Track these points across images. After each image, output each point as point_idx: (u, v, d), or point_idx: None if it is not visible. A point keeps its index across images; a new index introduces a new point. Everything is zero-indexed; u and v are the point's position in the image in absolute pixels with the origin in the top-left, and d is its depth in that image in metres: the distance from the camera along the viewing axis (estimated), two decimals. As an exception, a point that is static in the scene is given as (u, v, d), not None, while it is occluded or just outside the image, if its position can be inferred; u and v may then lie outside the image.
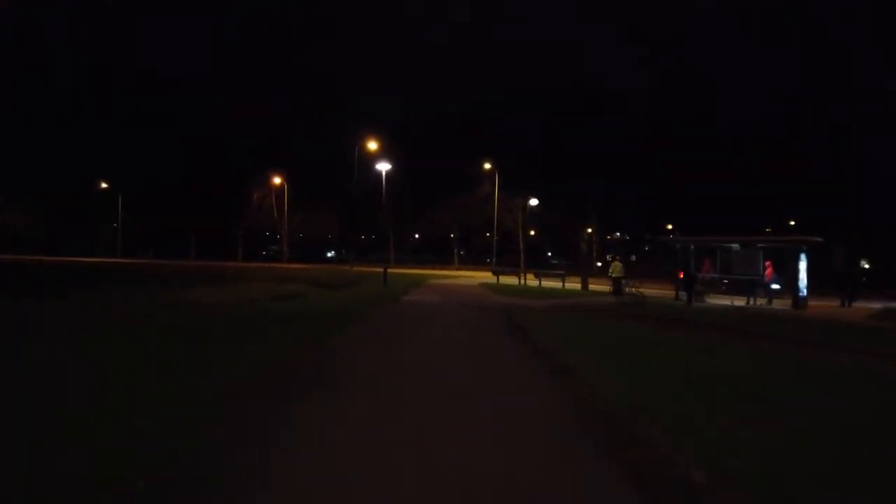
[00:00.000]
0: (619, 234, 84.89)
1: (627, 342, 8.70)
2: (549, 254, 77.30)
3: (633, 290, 19.11)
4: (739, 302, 20.76)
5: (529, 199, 33.30)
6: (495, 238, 48.13)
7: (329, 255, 67.59)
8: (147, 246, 64.00)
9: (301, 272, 32.93)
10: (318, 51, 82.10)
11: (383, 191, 22.52)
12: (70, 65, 62.41)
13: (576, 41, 73.23)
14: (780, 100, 61.65)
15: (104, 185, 59.86)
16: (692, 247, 23.06)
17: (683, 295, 21.83)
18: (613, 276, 22.50)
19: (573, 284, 26.54)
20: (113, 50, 65.77)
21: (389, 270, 40.68)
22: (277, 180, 53.06)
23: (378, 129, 45.10)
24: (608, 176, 48.38)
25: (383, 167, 22.81)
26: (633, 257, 78.60)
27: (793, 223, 65.79)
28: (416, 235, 67.36)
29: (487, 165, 45.76)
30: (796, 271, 20.31)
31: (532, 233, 55.11)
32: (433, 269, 47.42)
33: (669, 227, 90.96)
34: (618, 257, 24.35)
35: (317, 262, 51.11)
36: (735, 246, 21.73)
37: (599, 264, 64.83)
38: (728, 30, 69.18)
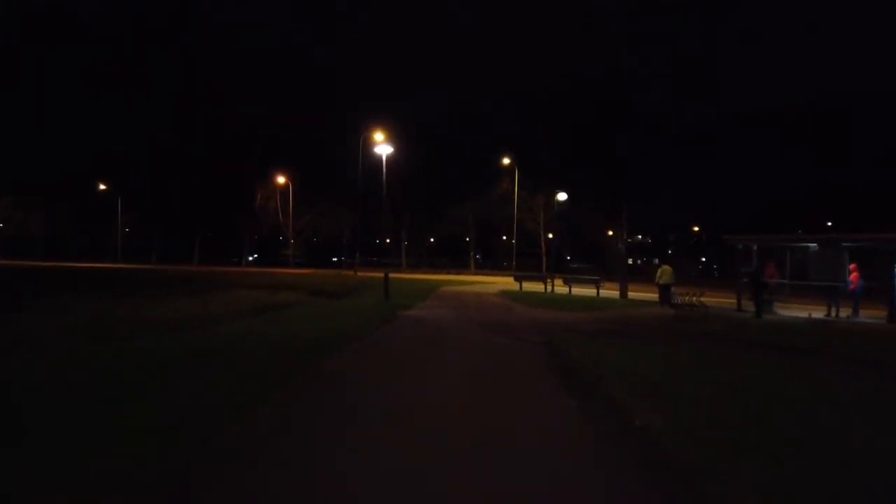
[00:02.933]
0: (640, 236, 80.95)
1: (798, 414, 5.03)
2: (569, 257, 73.48)
3: (693, 300, 15.48)
4: (818, 313, 17.06)
5: (556, 193, 29.53)
6: (514, 240, 44.56)
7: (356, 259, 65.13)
8: (150, 250, 61.58)
9: (301, 278, 30.09)
10: (327, 46, 79.43)
11: (384, 178, 18.92)
12: (70, 61, 60.20)
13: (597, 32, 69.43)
14: (809, 93, 57.73)
15: (103, 187, 57.43)
16: (755, 248, 19.34)
17: (748, 304, 18.22)
18: (661, 282, 18.88)
19: (608, 292, 22.91)
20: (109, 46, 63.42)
21: (400, 276, 37.54)
22: (282, 179, 49.94)
23: (390, 124, 42.15)
24: (632, 175, 44.64)
25: (384, 150, 19.17)
26: (657, 260, 74.72)
27: (830, 223, 61.64)
28: (432, 239, 63.91)
29: (506, 160, 42.17)
30: (892, 276, 16.48)
31: (550, 235, 51.44)
32: (447, 273, 44.10)
33: (695, 228, 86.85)
34: (670, 261, 20.62)
35: (330, 266, 48.20)
36: (812, 246, 17.94)
37: (620, 267, 61.10)
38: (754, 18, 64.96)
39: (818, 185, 51.09)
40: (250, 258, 66.77)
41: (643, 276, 28.38)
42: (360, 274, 30.42)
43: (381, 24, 77.55)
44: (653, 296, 22.69)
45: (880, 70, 54.82)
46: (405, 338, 9.88)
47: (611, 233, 62.29)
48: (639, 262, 78.28)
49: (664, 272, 18.94)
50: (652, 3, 64.48)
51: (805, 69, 62.57)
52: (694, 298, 15.53)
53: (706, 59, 65.79)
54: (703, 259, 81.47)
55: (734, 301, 19.23)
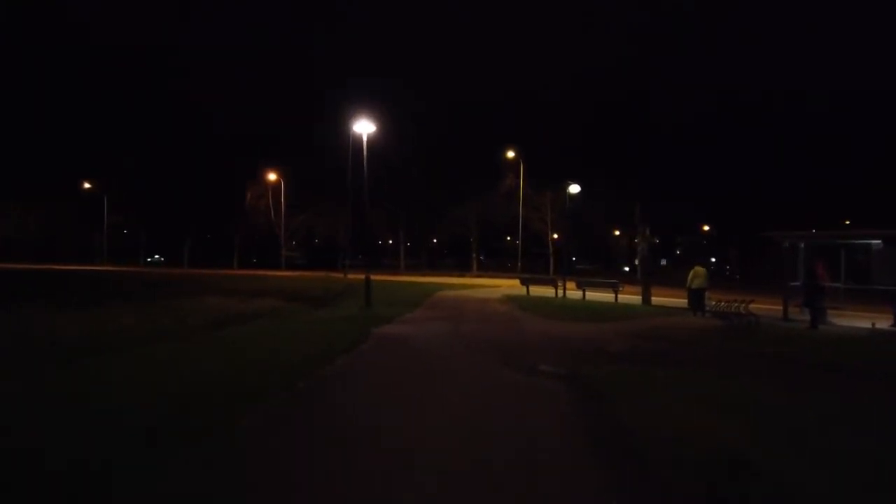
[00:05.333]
0: (638, 238, 77.94)
1: None
2: (574, 258, 70.69)
3: (741, 308, 12.79)
4: (882, 323, 14.38)
5: (569, 185, 26.67)
6: (519, 240, 41.85)
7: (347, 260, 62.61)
8: (139, 252, 59.28)
9: (288, 282, 27.69)
10: (324, 42, 76.87)
11: (364, 164, 15.79)
12: (54, 62, 58.11)
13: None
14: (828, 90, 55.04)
15: (88, 186, 55.11)
16: (802, 245, 16.63)
17: (795, 311, 15.54)
18: (694, 286, 16.14)
19: (626, 296, 20.22)
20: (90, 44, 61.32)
21: (396, 279, 34.86)
22: (273, 177, 47.25)
23: (388, 121, 39.52)
24: (645, 172, 42.18)
25: (364, 129, 15.88)
26: (664, 261, 71.95)
27: (848, 222, 58.91)
28: (434, 240, 61.23)
29: (511, 154, 39.39)
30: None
31: (555, 235, 48.79)
32: (448, 276, 41.40)
33: (706, 227, 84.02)
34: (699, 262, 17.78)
35: (332, 268, 45.63)
36: (876, 243, 15.21)
37: (627, 269, 58.22)
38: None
39: (818, 185, 48.82)
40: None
41: (653, 277, 25.71)
42: (350, 277, 27.85)
43: (379, 21, 75.10)
44: (677, 301, 20.00)
45: (882, 70, 52.15)
46: (364, 380, 6.63)
47: (617, 232, 59.56)
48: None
49: (697, 275, 16.20)
50: (653, 3, 62.08)
51: (804, 70, 59.82)
52: (741, 307, 12.84)
53: (706, 60, 63.07)
54: (713, 259, 78.75)
55: (768, 306, 16.55)
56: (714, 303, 13.52)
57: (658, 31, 57.86)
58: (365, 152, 16.40)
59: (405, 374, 7.00)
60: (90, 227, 58.69)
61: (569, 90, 55.93)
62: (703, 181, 52.79)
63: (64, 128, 55.84)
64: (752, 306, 14.08)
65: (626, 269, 58.57)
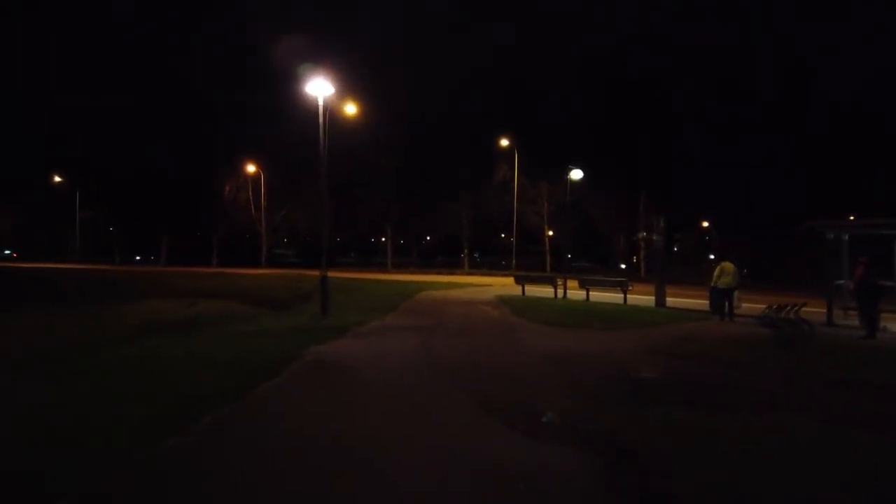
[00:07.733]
0: (644, 233, 75.70)
1: None
2: (569, 255, 68.12)
3: (791, 314, 10.20)
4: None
5: (571, 170, 23.94)
6: (514, 235, 39.19)
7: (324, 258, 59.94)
8: (113, 250, 56.23)
9: (258, 281, 25.25)
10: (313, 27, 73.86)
11: (321, 135, 12.58)
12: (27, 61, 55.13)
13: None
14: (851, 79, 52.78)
15: (59, 180, 51.89)
16: (846, 237, 14.13)
17: (838, 315, 13.06)
18: (721, 285, 13.58)
19: (635, 296, 17.64)
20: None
21: (380, 277, 32.22)
22: (252, 168, 44.25)
23: (376, 110, 36.78)
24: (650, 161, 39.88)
25: (320, 91, 12.38)
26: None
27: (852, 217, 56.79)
28: (428, 237, 58.46)
29: (505, 142, 36.66)
30: None
31: (550, 232, 46.18)
32: (437, 274, 38.69)
33: (705, 224, 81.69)
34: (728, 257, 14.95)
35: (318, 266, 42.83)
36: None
37: (623, 266, 55.75)
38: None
39: (815, 185, 46.92)
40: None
41: (658, 275, 23.36)
42: (328, 275, 25.17)
43: (368, 6, 72.17)
44: (691, 301, 17.46)
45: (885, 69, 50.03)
46: (204, 480, 3.51)
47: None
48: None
49: (725, 271, 13.62)
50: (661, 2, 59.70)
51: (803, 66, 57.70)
52: (791, 312, 10.25)
53: (708, 59, 60.85)
54: (712, 257, 76.61)
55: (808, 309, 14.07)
56: (766, 307, 10.86)
57: (664, 27, 55.54)
58: (321, 119, 13.56)
59: (307, 456, 3.81)
60: (62, 224, 55.60)
61: (567, 73, 53.51)
62: (704, 175, 50.63)
63: (34, 119, 52.86)
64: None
65: (623, 266, 56.26)
